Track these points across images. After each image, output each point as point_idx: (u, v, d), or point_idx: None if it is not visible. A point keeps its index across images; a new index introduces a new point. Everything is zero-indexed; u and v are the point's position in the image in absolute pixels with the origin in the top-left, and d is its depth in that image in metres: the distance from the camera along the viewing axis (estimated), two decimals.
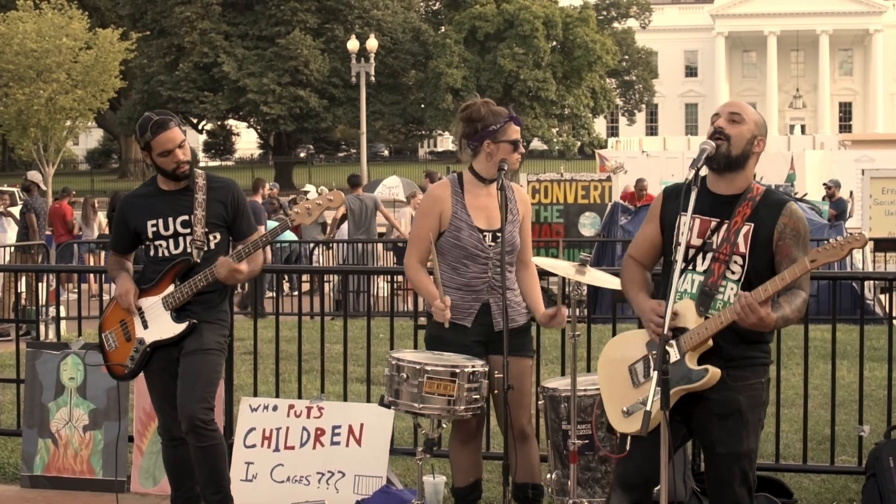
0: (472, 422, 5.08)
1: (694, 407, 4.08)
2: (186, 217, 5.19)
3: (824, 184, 20.69)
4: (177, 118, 5.29)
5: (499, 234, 5.05)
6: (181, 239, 5.19)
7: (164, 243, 5.21)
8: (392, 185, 30.93)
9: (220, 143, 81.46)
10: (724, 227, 4.11)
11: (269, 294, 15.66)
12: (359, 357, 8.46)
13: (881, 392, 7.44)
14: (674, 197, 4.25)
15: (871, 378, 8.56)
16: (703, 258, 4.14)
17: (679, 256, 4.01)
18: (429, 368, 4.81)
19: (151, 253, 5.25)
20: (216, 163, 78.88)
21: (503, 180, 4.99)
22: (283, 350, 6.92)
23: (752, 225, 4.09)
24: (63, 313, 12.28)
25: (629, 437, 4.02)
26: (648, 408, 3.80)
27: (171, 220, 5.20)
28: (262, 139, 70.91)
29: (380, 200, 16.89)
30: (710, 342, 4.01)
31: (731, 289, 4.07)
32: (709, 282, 4.09)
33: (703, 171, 4.10)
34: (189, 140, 5.87)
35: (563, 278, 5.34)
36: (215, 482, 5.14)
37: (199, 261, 5.17)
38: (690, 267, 4.14)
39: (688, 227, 4.02)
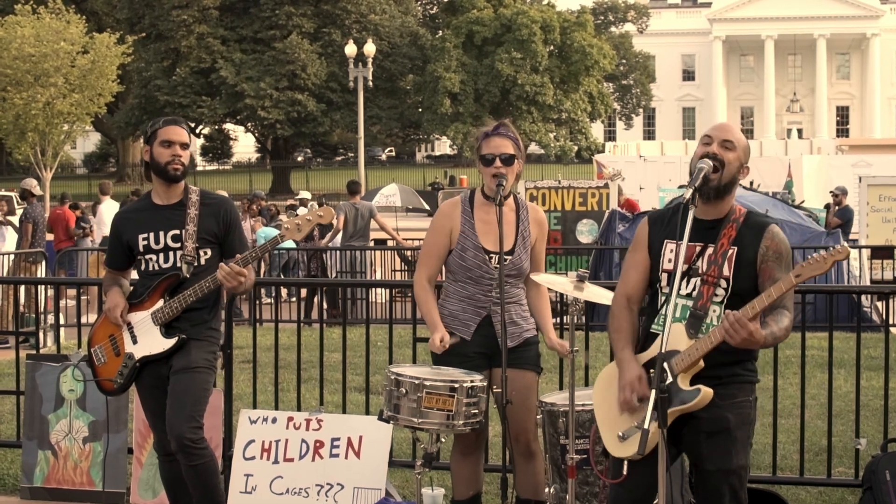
0: (471, 435, 5.09)
1: (683, 426, 4.10)
2: (178, 231, 5.18)
3: (831, 192, 20.57)
4: (189, 129, 5.37)
5: (506, 257, 5.05)
6: (171, 253, 5.18)
7: (154, 257, 5.20)
8: (389, 194, 30.77)
9: (218, 148, 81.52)
10: (710, 250, 4.14)
11: (267, 300, 15.70)
12: (357, 366, 8.46)
13: (878, 402, 7.45)
14: (659, 223, 4.28)
15: (868, 388, 8.58)
16: (688, 282, 4.16)
17: (675, 284, 4.03)
18: (428, 383, 4.82)
19: (142, 267, 5.26)
20: (214, 167, 78.86)
21: (500, 196, 4.98)
22: (281, 359, 6.94)
23: (736, 248, 4.13)
24: (62, 321, 12.31)
25: (625, 462, 4.03)
26: (646, 426, 3.82)
27: (161, 233, 5.19)
28: (259, 143, 70.94)
29: (376, 209, 16.89)
30: (702, 363, 4.04)
31: (715, 311, 4.11)
32: (698, 304, 4.13)
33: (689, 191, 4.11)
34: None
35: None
36: (209, 499, 5.15)
37: (188, 276, 5.15)
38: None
39: (678, 252, 4.04)
